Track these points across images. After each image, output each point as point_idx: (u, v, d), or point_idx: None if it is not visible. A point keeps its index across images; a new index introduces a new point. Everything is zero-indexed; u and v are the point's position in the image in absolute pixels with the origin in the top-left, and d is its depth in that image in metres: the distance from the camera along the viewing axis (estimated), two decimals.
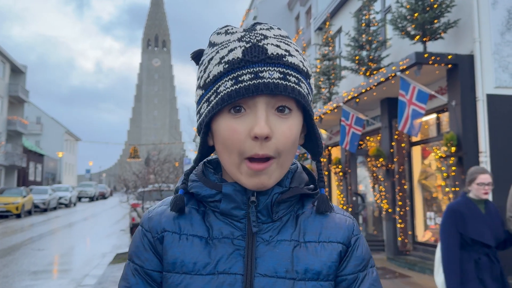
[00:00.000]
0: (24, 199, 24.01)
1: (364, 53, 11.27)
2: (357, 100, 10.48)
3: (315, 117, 12.81)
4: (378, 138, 11.57)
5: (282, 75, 0.83)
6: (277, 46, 0.85)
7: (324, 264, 0.89)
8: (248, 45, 0.84)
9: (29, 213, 25.12)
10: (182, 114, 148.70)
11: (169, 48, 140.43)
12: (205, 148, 0.94)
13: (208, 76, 0.86)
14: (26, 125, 43.38)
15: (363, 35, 11.19)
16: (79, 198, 42.82)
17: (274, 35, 0.87)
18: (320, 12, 16.72)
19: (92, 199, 45.42)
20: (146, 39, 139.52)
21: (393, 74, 8.53)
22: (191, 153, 54.13)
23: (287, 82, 0.83)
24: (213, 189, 0.91)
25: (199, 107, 0.90)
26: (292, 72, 0.85)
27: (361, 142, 12.28)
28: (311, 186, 0.98)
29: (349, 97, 10.53)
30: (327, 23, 14.49)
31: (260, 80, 0.81)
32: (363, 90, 9.88)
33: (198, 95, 0.91)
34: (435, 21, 8.43)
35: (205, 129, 0.89)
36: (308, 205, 0.96)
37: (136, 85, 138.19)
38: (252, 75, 0.81)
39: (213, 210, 0.92)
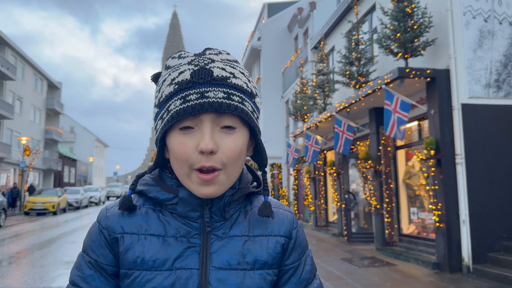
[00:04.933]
0: (60, 199, 24.09)
1: (354, 68, 11.26)
2: (348, 110, 10.48)
3: (311, 125, 12.86)
4: (367, 143, 11.53)
5: (226, 95, 0.81)
6: (223, 69, 0.83)
7: (270, 255, 0.89)
8: (196, 68, 0.82)
9: (64, 210, 25.22)
10: None
11: None
12: (161, 160, 0.91)
13: (162, 96, 0.85)
14: (61, 134, 43.69)
15: (353, 53, 11.18)
16: (108, 197, 42.92)
17: (221, 59, 0.85)
18: (315, 33, 16.73)
19: (119, 198, 45.40)
20: (165, 58, 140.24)
21: (379, 87, 8.53)
22: None
23: (230, 101, 0.81)
24: (170, 193, 0.89)
25: (156, 123, 0.88)
26: (236, 92, 0.83)
27: (352, 147, 12.26)
28: (255, 183, 0.97)
29: (341, 107, 10.53)
30: (322, 43, 14.51)
31: (205, 100, 0.80)
32: (353, 101, 9.87)
33: (154, 112, 0.88)
34: (415, 40, 8.42)
35: (161, 143, 0.87)
36: (255, 201, 0.95)
37: None
38: (198, 95, 0.80)
39: (171, 212, 0.89)
